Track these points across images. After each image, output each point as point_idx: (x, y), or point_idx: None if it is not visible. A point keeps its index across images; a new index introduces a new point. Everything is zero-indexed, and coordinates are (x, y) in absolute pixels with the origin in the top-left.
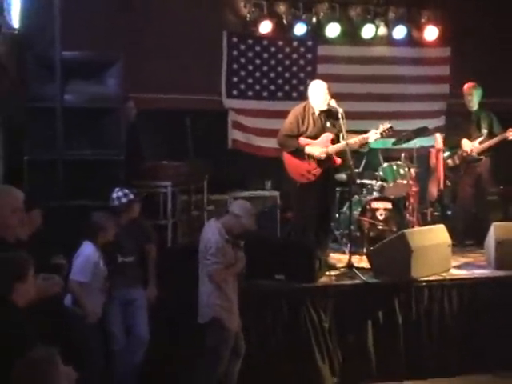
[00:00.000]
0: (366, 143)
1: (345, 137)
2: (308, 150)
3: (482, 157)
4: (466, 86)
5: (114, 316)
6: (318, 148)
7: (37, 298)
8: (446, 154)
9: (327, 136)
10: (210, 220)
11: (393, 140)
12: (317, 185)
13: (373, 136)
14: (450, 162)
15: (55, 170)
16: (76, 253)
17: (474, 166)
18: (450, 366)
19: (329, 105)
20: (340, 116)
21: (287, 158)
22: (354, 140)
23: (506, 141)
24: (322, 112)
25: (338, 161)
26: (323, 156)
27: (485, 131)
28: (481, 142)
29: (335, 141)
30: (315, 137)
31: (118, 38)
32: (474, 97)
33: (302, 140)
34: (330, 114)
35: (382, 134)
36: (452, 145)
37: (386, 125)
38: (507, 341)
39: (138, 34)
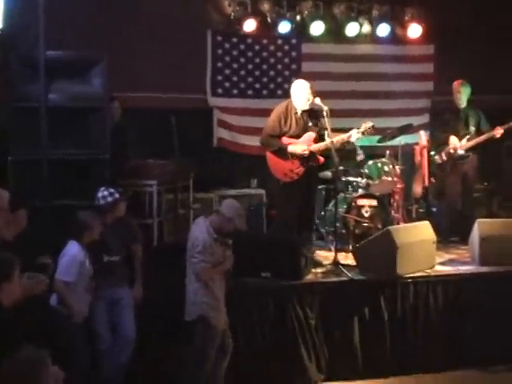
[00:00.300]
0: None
1: (329, 135)
2: (291, 148)
3: (469, 154)
4: (454, 83)
5: (100, 315)
6: (300, 146)
7: (22, 297)
8: (433, 151)
9: (309, 135)
10: (198, 218)
11: (378, 137)
12: (300, 183)
13: (355, 135)
14: (437, 158)
15: (40, 170)
16: (61, 252)
17: (461, 163)
18: (435, 362)
19: (313, 103)
20: (325, 114)
21: (270, 157)
22: (337, 139)
23: (493, 139)
24: (304, 111)
25: (321, 159)
26: (306, 153)
27: (473, 128)
28: (468, 140)
29: (318, 140)
30: (298, 136)
31: (103, 37)
32: (462, 94)
33: (285, 139)
34: (312, 112)
35: (363, 132)
36: (438, 142)
37: (368, 123)
38: (492, 336)
39: (122, 32)
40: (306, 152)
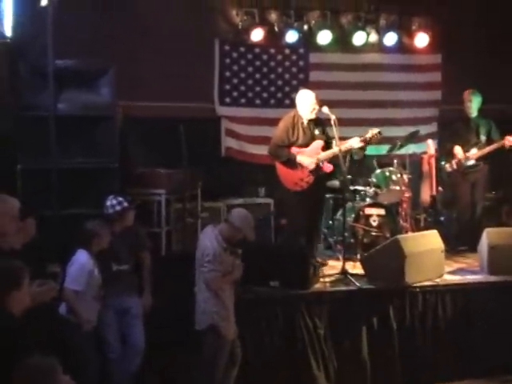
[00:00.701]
0: (359, 150)
1: (337, 143)
2: (299, 158)
3: (479, 163)
4: (465, 93)
5: (109, 324)
6: (308, 158)
7: (32, 304)
8: (443, 160)
9: (318, 143)
10: (207, 227)
11: (387, 147)
12: (309, 192)
13: (355, 144)
14: (447, 167)
15: (49, 179)
16: (70, 261)
17: (472, 172)
18: (444, 372)
19: (319, 112)
20: (332, 123)
21: (280, 167)
22: (344, 146)
23: (503, 147)
24: (310, 120)
25: (330, 168)
26: (313, 166)
27: (483, 138)
28: (479, 149)
29: (325, 148)
30: (306, 145)
31: (111, 47)
32: (473, 103)
33: (294, 149)
34: (318, 121)
35: (370, 138)
36: (447, 151)
37: (375, 130)
38: (501, 345)
39: (130, 42)
40: (313, 165)
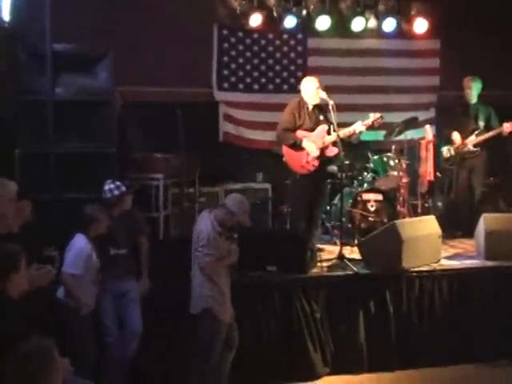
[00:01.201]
0: (357, 134)
1: (335, 128)
2: (305, 144)
3: (477, 149)
4: (465, 79)
5: (106, 308)
6: (313, 144)
7: (30, 288)
8: (442, 145)
9: (323, 127)
10: (204, 212)
11: (383, 132)
12: (315, 175)
13: (358, 128)
14: (445, 152)
15: (47, 163)
16: (68, 245)
17: (470, 158)
18: (440, 356)
19: (320, 98)
20: (330, 108)
21: (286, 151)
22: (343, 132)
23: (501, 134)
24: (315, 106)
25: (334, 151)
26: (316, 154)
27: (482, 124)
28: (477, 135)
29: (329, 132)
30: (311, 129)
31: (108, 31)
32: (473, 90)
33: (300, 133)
34: (322, 107)
35: (373, 123)
36: (446, 137)
37: (377, 114)
38: (497, 330)
39: (128, 26)
40: (317, 153)
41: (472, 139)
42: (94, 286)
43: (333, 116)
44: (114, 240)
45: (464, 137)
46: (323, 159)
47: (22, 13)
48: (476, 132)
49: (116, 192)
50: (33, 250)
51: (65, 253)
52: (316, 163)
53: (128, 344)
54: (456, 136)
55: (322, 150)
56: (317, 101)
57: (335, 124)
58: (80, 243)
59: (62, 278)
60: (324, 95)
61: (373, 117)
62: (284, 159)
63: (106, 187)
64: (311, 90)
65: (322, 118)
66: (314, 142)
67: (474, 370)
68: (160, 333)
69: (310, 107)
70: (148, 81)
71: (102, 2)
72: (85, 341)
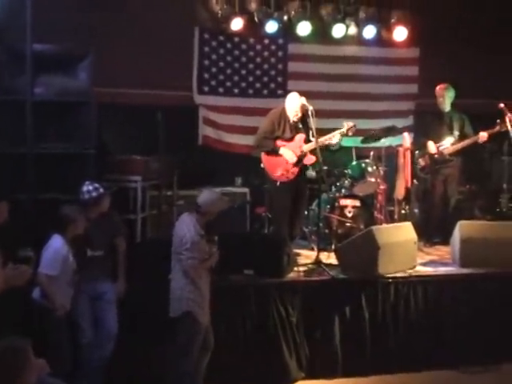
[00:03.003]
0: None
1: (314, 135)
2: (282, 151)
3: (452, 158)
4: (438, 88)
5: (82, 309)
6: (290, 151)
7: (5, 287)
8: (417, 153)
9: (300, 137)
10: (184, 214)
11: (361, 138)
12: (295, 182)
13: (335, 139)
14: (420, 161)
15: (25, 163)
16: (45, 246)
17: (445, 167)
18: (415, 362)
19: (298, 118)
20: (310, 114)
21: (266, 159)
22: (321, 140)
23: (477, 143)
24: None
25: (312, 160)
26: (294, 160)
27: (457, 133)
28: (452, 144)
29: (307, 140)
30: (290, 140)
31: (90, 32)
32: (445, 98)
33: (278, 142)
34: (302, 116)
35: (347, 131)
36: (420, 145)
37: (350, 123)
38: (471, 337)
39: (110, 28)
40: (294, 159)
41: (447, 148)
42: (70, 287)
43: (312, 122)
44: (90, 241)
45: (438, 145)
46: (302, 167)
47: (3, 11)
48: (451, 141)
49: (94, 193)
50: (8, 250)
51: (41, 253)
52: (295, 171)
53: (103, 346)
54: (431, 145)
55: (301, 158)
56: (295, 119)
57: (314, 130)
58: (57, 244)
59: (38, 279)
60: (304, 101)
61: (346, 126)
62: (263, 166)
63: (84, 188)
64: (292, 109)
65: (301, 126)
66: (292, 151)
67: (448, 376)
68: (136, 335)
69: (291, 120)
70: (128, 83)
71: (83, 2)
72: (60, 342)
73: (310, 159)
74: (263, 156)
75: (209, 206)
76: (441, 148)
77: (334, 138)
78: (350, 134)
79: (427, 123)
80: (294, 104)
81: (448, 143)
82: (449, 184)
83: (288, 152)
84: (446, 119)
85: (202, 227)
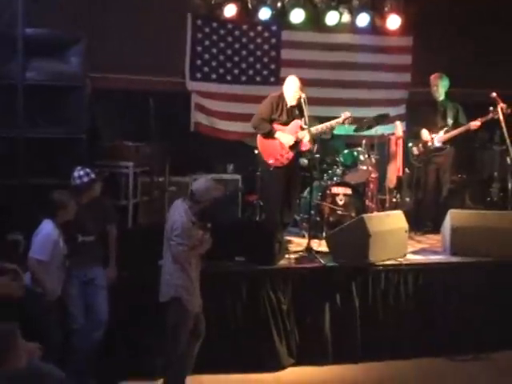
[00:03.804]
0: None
1: (307, 122)
2: (278, 135)
3: (446, 146)
4: (432, 77)
5: (73, 295)
6: (287, 135)
7: None
8: (410, 142)
9: (296, 122)
10: (177, 200)
11: (354, 127)
12: (288, 168)
13: (330, 125)
14: (414, 149)
15: (16, 148)
16: (36, 231)
17: (438, 155)
18: (404, 349)
19: (297, 100)
20: (302, 101)
21: (261, 142)
22: (316, 128)
23: (469, 131)
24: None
25: (307, 146)
26: (291, 143)
27: (450, 121)
28: (446, 132)
29: (303, 127)
30: (286, 124)
31: (82, 17)
32: (439, 87)
33: (275, 126)
34: (299, 103)
35: (343, 121)
36: (414, 133)
37: (347, 113)
38: (460, 325)
39: (102, 13)
40: (292, 142)
41: (440, 136)
42: (61, 273)
43: (304, 109)
44: (81, 227)
45: (432, 134)
46: (296, 153)
47: None
48: (444, 129)
49: (85, 179)
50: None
51: (32, 238)
52: (290, 156)
53: (94, 331)
54: (425, 133)
55: (296, 143)
56: (294, 102)
57: (307, 117)
58: (47, 229)
59: (29, 264)
60: (303, 95)
61: (343, 116)
62: (258, 151)
63: (76, 174)
64: (291, 92)
65: (297, 113)
66: (288, 135)
67: (438, 363)
68: (127, 320)
69: (289, 104)
70: (121, 68)
71: None
72: (50, 327)
73: (305, 145)
74: (259, 139)
75: (202, 194)
76: (434, 136)
77: (328, 126)
78: (346, 123)
79: (421, 112)
80: (291, 87)
81: (442, 132)
82: (441, 172)
83: (284, 135)
84: (440, 108)
85: (195, 214)
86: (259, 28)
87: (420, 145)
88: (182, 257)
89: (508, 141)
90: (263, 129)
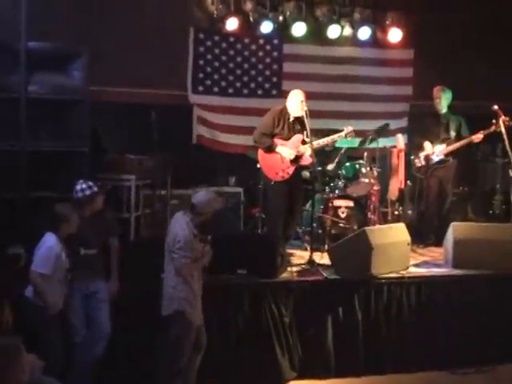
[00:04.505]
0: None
1: (309, 135)
2: (279, 149)
3: (448, 158)
4: (435, 89)
5: (75, 308)
6: (288, 149)
7: None
8: (412, 155)
9: (298, 137)
10: (178, 213)
11: (358, 140)
12: (290, 182)
13: (332, 140)
14: (416, 162)
15: (18, 161)
16: (38, 244)
17: (440, 168)
18: (407, 363)
19: (303, 111)
20: (304, 114)
21: (262, 156)
22: (317, 142)
23: (471, 144)
24: (295, 117)
25: (308, 161)
26: (292, 157)
27: (453, 134)
28: (448, 144)
29: (304, 141)
30: (288, 138)
31: (85, 30)
32: (442, 100)
33: (276, 140)
34: (300, 117)
35: (346, 135)
36: (417, 146)
37: (350, 128)
38: (463, 338)
39: (105, 27)
40: (293, 156)
41: (443, 149)
42: (63, 286)
43: (306, 122)
44: (84, 240)
45: (435, 146)
46: (298, 167)
47: None
48: (447, 142)
49: (88, 192)
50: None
51: (34, 251)
52: (291, 171)
53: (96, 344)
54: (427, 145)
55: (297, 157)
56: (300, 114)
57: (309, 130)
58: (50, 242)
59: (31, 277)
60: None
61: (346, 130)
62: (259, 165)
63: (78, 187)
64: (296, 103)
65: (299, 127)
66: (289, 149)
67: (440, 377)
68: (129, 334)
69: (291, 118)
70: (123, 82)
71: (79, 2)
72: (52, 340)
73: (306, 159)
74: (260, 154)
75: (204, 206)
76: (437, 149)
77: (330, 140)
78: (349, 138)
79: (423, 124)
80: (296, 99)
81: (444, 145)
82: (444, 185)
83: (285, 150)
84: (443, 121)
85: (196, 227)
86: (261, 41)
87: (422, 157)
88: (185, 269)
89: (510, 153)
90: (264, 143)
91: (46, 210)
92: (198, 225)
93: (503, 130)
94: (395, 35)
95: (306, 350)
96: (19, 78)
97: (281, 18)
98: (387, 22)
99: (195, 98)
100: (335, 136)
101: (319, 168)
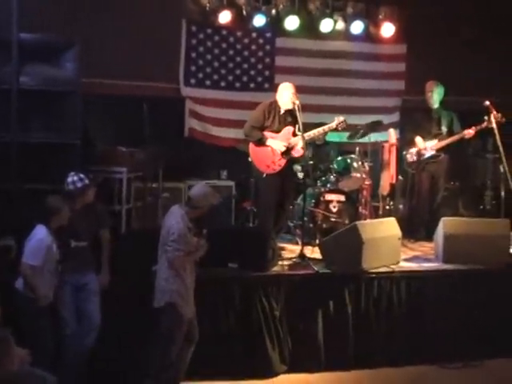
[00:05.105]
0: (322, 136)
1: (300, 128)
2: (269, 142)
3: (440, 154)
4: (427, 84)
5: (65, 300)
6: (278, 141)
7: None
8: (404, 150)
9: (288, 129)
10: (174, 206)
11: (348, 134)
12: (281, 174)
13: (322, 131)
14: (408, 157)
15: (9, 153)
16: (29, 236)
17: (432, 163)
18: (397, 357)
19: (293, 104)
20: (296, 108)
21: (253, 150)
22: (308, 134)
23: (463, 139)
24: (286, 110)
25: (300, 152)
26: (282, 149)
27: (445, 129)
28: (440, 140)
29: (295, 134)
30: (278, 131)
31: (77, 22)
32: (434, 94)
33: (266, 133)
34: (291, 110)
35: (337, 126)
36: (408, 141)
37: (341, 118)
38: (453, 332)
39: (97, 18)
40: (283, 148)
41: (434, 144)
42: (54, 278)
43: (298, 116)
44: (74, 232)
45: (426, 141)
46: (289, 160)
47: None
48: (438, 137)
49: (79, 184)
50: None
51: (25, 243)
52: (282, 163)
53: (86, 336)
54: (419, 140)
55: (288, 150)
56: (290, 106)
57: (301, 124)
58: (41, 234)
59: (22, 269)
60: (297, 102)
61: (337, 120)
62: (250, 159)
63: (69, 179)
64: (286, 96)
65: (290, 120)
66: (280, 141)
67: (430, 371)
68: (120, 326)
69: (282, 111)
70: (115, 74)
71: None
72: (43, 332)
73: (298, 151)
74: (251, 147)
75: (199, 200)
76: (428, 144)
77: (321, 131)
78: (340, 128)
79: (415, 119)
80: (287, 92)
81: (436, 140)
82: (435, 180)
83: (276, 142)
84: (435, 116)
85: (191, 220)
86: (254, 35)
87: (414, 152)
88: (178, 262)
89: (501, 149)
90: (254, 136)
91: (37, 201)
92: (193, 219)
93: (494, 125)
94: (388, 30)
95: (297, 343)
96: (11, 70)
97: (273, 11)
98: (380, 17)
99: (187, 91)
100: (326, 127)
101: (311, 162)
